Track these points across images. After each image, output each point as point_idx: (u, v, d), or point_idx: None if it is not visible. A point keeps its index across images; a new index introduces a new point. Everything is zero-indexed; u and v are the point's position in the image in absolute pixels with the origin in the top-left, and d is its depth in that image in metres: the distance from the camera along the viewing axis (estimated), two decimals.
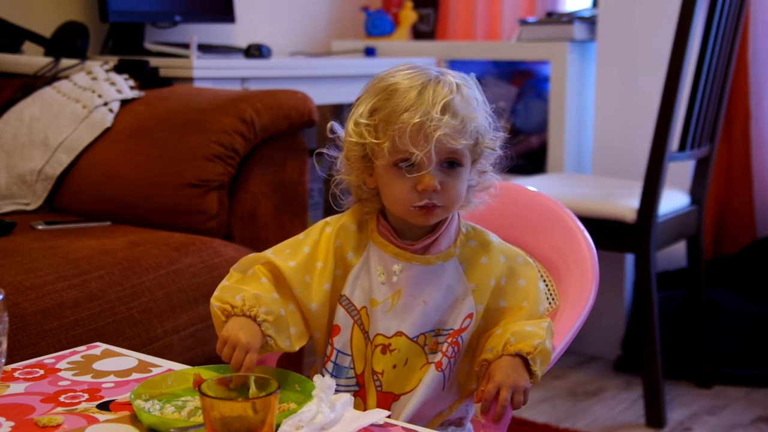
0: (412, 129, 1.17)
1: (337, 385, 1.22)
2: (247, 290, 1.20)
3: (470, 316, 1.25)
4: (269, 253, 1.26)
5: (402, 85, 1.20)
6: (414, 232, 1.25)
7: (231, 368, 1.15)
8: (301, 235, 1.28)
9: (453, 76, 1.22)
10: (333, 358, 1.26)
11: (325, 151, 1.29)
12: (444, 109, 1.17)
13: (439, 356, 1.25)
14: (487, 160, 1.26)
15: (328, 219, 1.29)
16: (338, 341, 1.25)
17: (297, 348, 1.23)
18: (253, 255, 1.26)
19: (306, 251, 1.25)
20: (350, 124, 1.24)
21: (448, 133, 1.17)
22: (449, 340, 1.25)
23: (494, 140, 1.24)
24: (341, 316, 1.25)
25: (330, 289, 1.25)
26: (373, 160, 1.22)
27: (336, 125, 1.27)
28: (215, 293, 1.22)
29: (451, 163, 1.20)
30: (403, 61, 1.27)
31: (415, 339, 1.24)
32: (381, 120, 1.20)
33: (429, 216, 1.22)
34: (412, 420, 1.22)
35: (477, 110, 1.21)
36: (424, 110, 1.17)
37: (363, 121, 1.21)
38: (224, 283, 1.24)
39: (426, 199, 1.19)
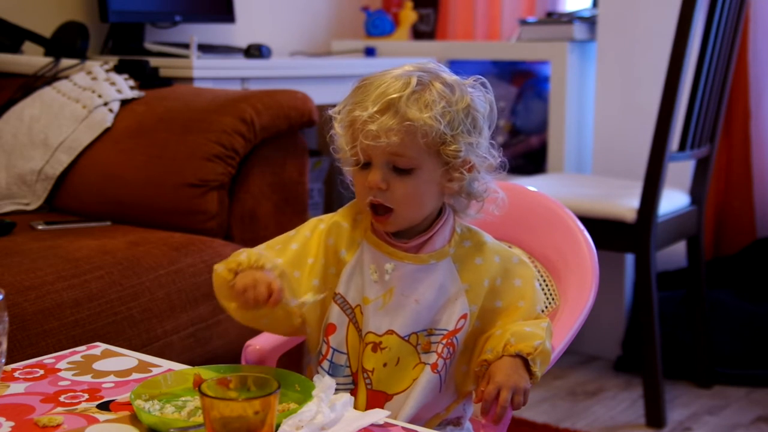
0: (349, 122, 1.20)
1: None
2: (251, 250, 1.22)
3: (464, 316, 1.25)
4: (261, 249, 1.26)
5: (370, 79, 1.22)
6: (408, 231, 1.25)
7: (258, 305, 1.16)
8: (292, 232, 1.28)
9: (436, 77, 1.20)
10: (329, 356, 1.26)
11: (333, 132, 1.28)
12: (386, 106, 1.17)
13: (433, 357, 1.24)
14: (478, 168, 1.23)
15: (322, 216, 1.30)
16: (334, 340, 1.25)
17: (299, 314, 1.23)
18: (243, 251, 1.25)
19: (294, 248, 1.26)
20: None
21: (374, 130, 1.17)
22: (444, 342, 1.25)
23: (457, 151, 1.19)
24: (336, 315, 1.25)
25: (319, 285, 1.24)
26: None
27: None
28: (218, 266, 1.22)
29: (397, 166, 1.19)
30: (404, 62, 1.27)
31: (406, 338, 1.24)
32: (345, 114, 1.22)
33: (385, 223, 1.22)
34: (408, 422, 1.22)
35: (434, 112, 1.17)
36: (365, 105, 1.18)
37: (336, 114, 1.24)
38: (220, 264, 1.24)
39: (371, 196, 1.20)
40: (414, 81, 1.19)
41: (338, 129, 1.23)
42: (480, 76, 1.25)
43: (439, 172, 1.21)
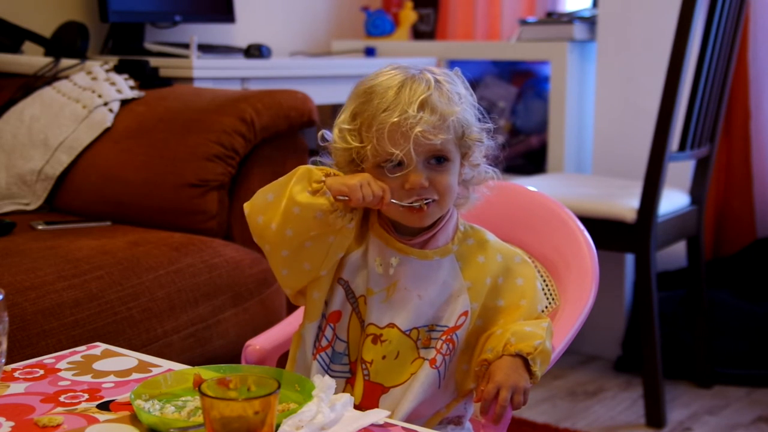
0: (390, 129, 1.19)
1: (331, 369, 1.24)
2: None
3: (465, 313, 1.26)
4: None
5: (380, 86, 1.22)
6: (412, 228, 1.26)
7: (373, 202, 1.18)
8: None
9: (433, 73, 1.24)
10: (333, 344, 1.26)
11: (319, 159, 1.29)
12: (421, 106, 1.19)
13: (432, 353, 1.25)
14: (479, 152, 1.27)
15: None
16: (337, 327, 1.27)
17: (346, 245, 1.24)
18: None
19: None
20: (335, 131, 1.26)
21: (426, 129, 1.18)
22: (444, 338, 1.25)
23: (481, 132, 1.25)
24: (341, 301, 1.26)
25: (339, 260, 1.26)
26: (361, 164, 1.24)
27: (327, 133, 1.28)
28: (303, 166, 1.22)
29: (438, 159, 1.21)
30: (405, 62, 1.28)
31: (407, 332, 1.25)
32: (362, 123, 1.22)
33: (423, 217, 1.22)
34: (408, 418, 1.22)
35: (458, 105, 1.22)
36: (401, 109, 1.19)
37: (346, 126, 1.24)
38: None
39: (414, 196, 1.20)
40: (431, 78, 1.22)
41: (351, 140, 1.23)
42: (457, 68, 1.29)
43: (459, 162, 1.25)
